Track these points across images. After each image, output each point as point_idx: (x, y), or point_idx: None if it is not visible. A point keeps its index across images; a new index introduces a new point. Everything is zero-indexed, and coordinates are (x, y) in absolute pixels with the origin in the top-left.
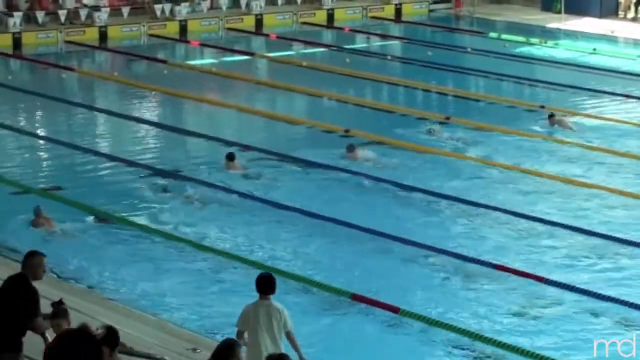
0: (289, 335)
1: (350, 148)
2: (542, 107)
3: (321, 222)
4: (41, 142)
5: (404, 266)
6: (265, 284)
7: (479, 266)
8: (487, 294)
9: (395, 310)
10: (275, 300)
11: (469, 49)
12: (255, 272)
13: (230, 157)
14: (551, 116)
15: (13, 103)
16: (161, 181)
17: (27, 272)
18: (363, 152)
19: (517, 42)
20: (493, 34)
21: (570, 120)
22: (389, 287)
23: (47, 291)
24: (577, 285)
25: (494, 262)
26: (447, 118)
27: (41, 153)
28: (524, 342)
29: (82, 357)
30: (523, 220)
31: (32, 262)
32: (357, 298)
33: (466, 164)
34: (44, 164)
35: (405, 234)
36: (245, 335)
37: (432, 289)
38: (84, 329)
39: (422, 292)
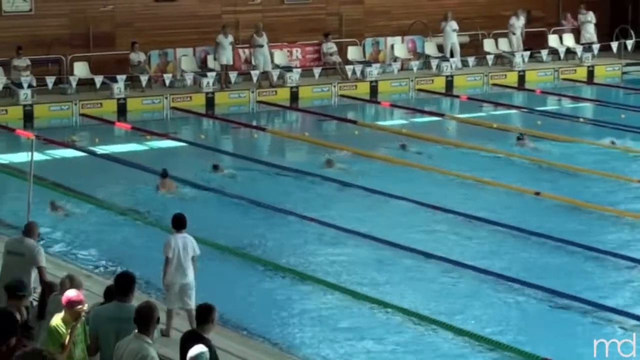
0: (193, 259)
1: (329, 163)
2: None
3: (508, 282)
4: (230, 199)
5: (594, 330)
6: (181, 222)
7: None
8: None
9: None
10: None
11: None
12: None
13: (216, 167)
14: (520, 139)
15: (204, 161)
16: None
17: (198, 330)
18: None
19: None
20: None
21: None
22: (575, 350)
23: None
24: None
25: None
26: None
27: (231, 212)
28: None
29: None
30: None
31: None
32: None
33: None
34: (245, 224)
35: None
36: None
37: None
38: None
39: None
